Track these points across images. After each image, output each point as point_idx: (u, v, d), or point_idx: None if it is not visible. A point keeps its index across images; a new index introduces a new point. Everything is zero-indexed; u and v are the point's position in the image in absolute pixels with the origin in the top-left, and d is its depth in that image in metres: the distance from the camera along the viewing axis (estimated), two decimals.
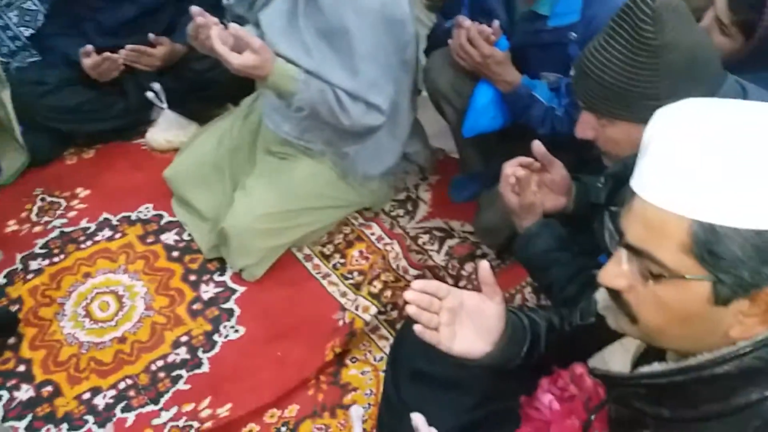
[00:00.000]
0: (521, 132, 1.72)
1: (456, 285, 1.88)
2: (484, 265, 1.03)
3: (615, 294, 0.76)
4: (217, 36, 1.52)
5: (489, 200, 1.90)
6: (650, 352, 0.85)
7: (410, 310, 0.98)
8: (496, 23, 1.58)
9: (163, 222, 2.10)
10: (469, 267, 1.93)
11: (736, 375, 0.68)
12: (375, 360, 1.72)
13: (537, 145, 1.35)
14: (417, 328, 0.98)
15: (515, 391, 1.09)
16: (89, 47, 2.12)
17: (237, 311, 1.84)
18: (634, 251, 0.71)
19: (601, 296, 0.86)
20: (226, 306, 1.86)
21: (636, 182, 0.73)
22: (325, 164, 1.90)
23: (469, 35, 1.60)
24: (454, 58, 1.68)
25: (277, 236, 1.87)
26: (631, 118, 1.13)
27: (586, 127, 1.23)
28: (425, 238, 2.02)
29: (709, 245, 0.64)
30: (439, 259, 1.95)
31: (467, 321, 1.00)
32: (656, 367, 0.75)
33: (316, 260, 1.96)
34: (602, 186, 1.32)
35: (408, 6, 1.65)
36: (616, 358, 0.95)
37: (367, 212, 2.07)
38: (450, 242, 2.00)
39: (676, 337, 0.73)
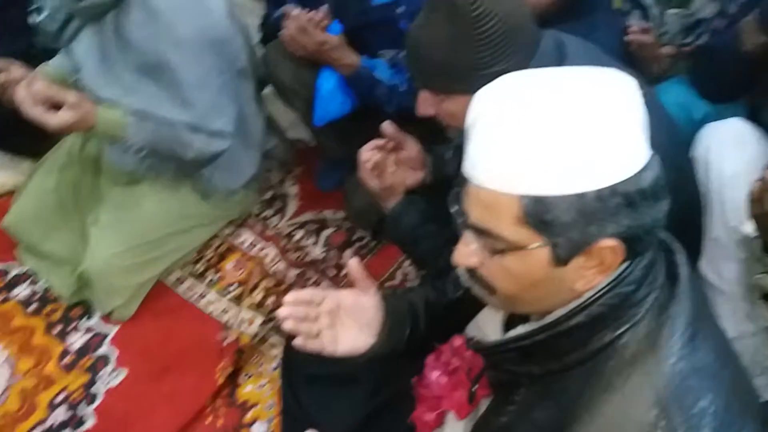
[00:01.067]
0: (374, 111, 1.71)
1: (338, 274, 1.86)
2: (351, 262, 1.03)
3: (471, 271, 0.80)
4: (27, 98, 1.37)
5: (355, 184, 1.87)
6: (516, 314, 0.89)
7: (287, 325, 0.97)
8: (324, 8, 1.54)
9: (9, 277, 1.91)
10: (348, 254, 1.91)
11: (588, 323, 0.73)
12: (270, 370, 1.67)
13: (386, 126, 1.36)
14: (297, 341, 0.98)
15: (407, 374, 1.11)
16: None
17: (114, 354, 1.73)
18: (478, 231, 0.75)
19: (461, 271, 0.88)
20: (100, 351, 1.73)
21: (467, 167, 0.75)
22: (181, 186, 1.79)
23: (300, 24, 1.55)
24: (289, 49, 1.62)
25: (143, 270, 1.75)
26: (465, 90, 1.12)
27: (426, 104, 1.23)
28: (300, 233, 1.97)
29: (540, 215, 0.68)
30: (318, 252, 1.92)
31: (347, 320, 1.01)
32: (519, 330, 0.80)
33: (189, 281, 1.87)
34: (451, 158, 1.35)
35: (228, 20, 1.55)
36: (489, 324, 1.00)
37: (235, 220, 1.99)
38: (326, 233, 1.97)
39: (531, 301, 0.78)
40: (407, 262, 1.87)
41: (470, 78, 1.11)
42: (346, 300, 1.00)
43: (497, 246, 0.73)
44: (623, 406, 0.72)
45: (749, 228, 1.15)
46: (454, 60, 1.09)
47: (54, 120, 1.38)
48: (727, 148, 1.40)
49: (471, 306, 0.96)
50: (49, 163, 1.93)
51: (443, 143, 1.44)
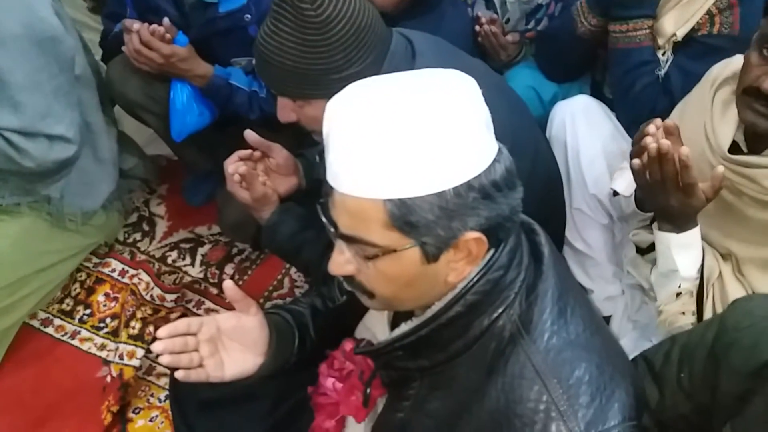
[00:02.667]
0: (238, 120, 1.67)
1: (221, 292, 1.80)
2: (226, 284, 0.99)
3: (349, 278, 0.81)
4: None
5: (227, 197, 1.82)
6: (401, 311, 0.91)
7: (164, 361, 0.92)
8: (166, 21, 1.48)
9: None
10: (229, 269, 1.86)
11: (465, 312, 0.77)
12: (160, 401, 1.59)
13: (249, 134, 1.33)
14: (179, 374, 0.94)
15: (304, 384, 1.10)
16: None
17: None
18: (349, 239, 0.76)
19: (340, 278, 0.89)
20: None
21: (329, 177, 0.76)
22: (30, 216, 1.65)
23: (142, 38, 1.47)
24: (135, 65, 1.54)
25: (3, 317, 1.60)
26: (322, 95, 1.13)
27: (286, 111, 1.21)
28: (174, 254, 1.89)
29: (405, 217, 0.71)
30: (196, 271, 1.85)
31: (231, 343, 0.98)
32: (403, 328, 0.82)
33: (58, 321, 1.74)
34: (319, 162, 1.34)
35: (56, 19, 1.45)
36: (377, 323, 1.04)
37: (100, 249, 1.87)
38: (202, 250, 1.90)
39: (410, 299, 0.81)
40: (294, 269, 1.84)
41: (325, 82, 1.11)
42: (226, 323, 0.97)
43: (369, 252, 0.74)
44: (507, 387, 0.76)
45: (620, 186, 1.23)
46: (307, 66, 1.09)
47: None
48: (577, 123, 1.50)
49: (359, 308, 0.96)
50: None
51: (313, 146, 1.43)
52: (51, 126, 1.46)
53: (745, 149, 1.13)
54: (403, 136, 0.68)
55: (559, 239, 1.48)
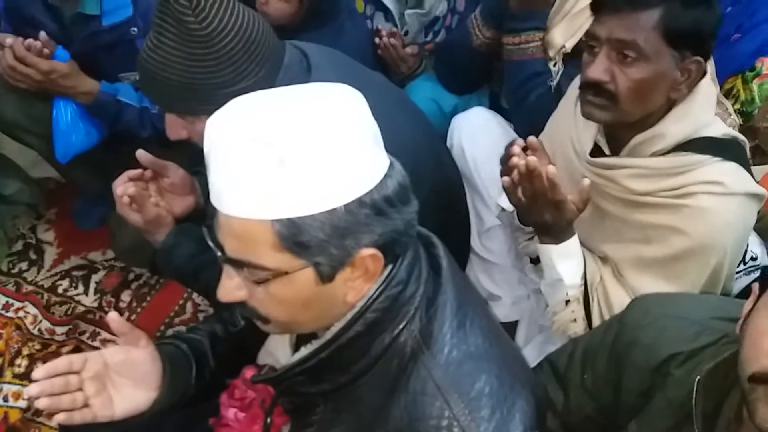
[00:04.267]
0: (129, 137, 1.58)
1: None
2: (111, 316, 0.93)
3: (241, 303, 0.77)
4: None
5: (120, 220, 1.72)
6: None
7: (41, 404, 0.85)
8: (43, 34, 1.38)
9: None
10: (126, 296, 1.76)
11: (365, 331, 0.74)
12: None
13: (141, 154, 1.26)
14: (59, 417, 0.86)
15: (206, 415, 1.04)
16: None
17: None
18: (236, 263, 0.72)
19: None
20: None
21: (213, 197, 0.72)
22: None
23: (17, 54, 1.37)
24: (11, 82, 1.43)
25: None
26: (212, 111, 1.07)
27: (175, 127, 1.15)
28: (65, 283, 1.77)
29: (294, 238, 0.68)
30: (90, 300, 1.74)
31: (119, 379, 0.92)
32: (303, 352, 0.78)
33: None
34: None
35: None
36: (279, 347, 0.99)
37: None
38: (96, 277, 1.79)
39: (308, 321, 0.77)
40: (196, 294, 1.77)
41: (215, 97, 1.06)
42: (113, 358, 0.91)
43: (259, 276, 0.71)
44: (410, 405, 0.74)
45: (505, 202, 1.26)
46: (194, 81, 1.04)
47: None
48: (476, 134, 1.53)
49: (260, 333, 0.92)
50: None
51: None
52: None
53: (607, 152, 1.17)
54: (289, 152, 0.65)
55: (464, 248, 1.50)
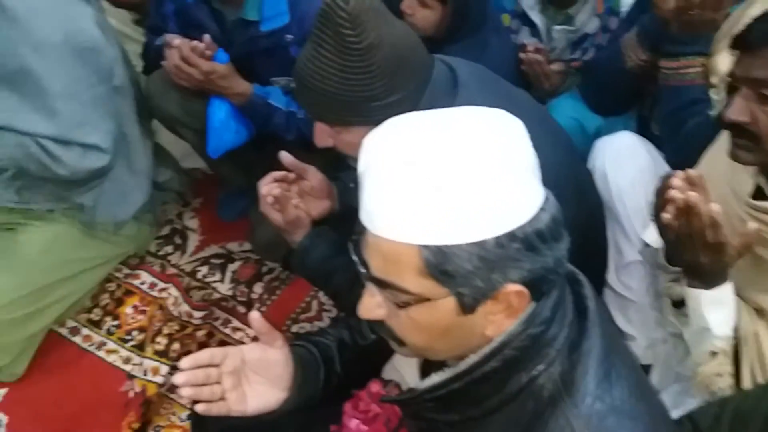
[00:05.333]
0: (274, 138, 1.65)
1: (249, 311, 1.77)
2: (253, 315, 0.97)
3: (378, 323, 0.77)
4: None
5: (260, 215, 1.80)
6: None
7: (185, 393, 0.91)
8: (207, 37, 1.47)
9: None
10: (258, 288, 1.84)
11: (502, 367, 0.72)
12: (182, 420, 1.57)
13: (285, 156, 1.32)
14: (199, 408, 0.91)
15: (327, 420, 1.07)
16: None
17: (4, 420, 1.57)
18: (380, 283, 0.72)
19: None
20: None
21: (363, 216, 0.72)
22: (63, 223, 1.66)
23: (183, 54, 1.47)
24: (175, 80, 1.54)
25: (29, 323, 1.60)
26: (361, 122, 1.11)
27: (323, 136, 1.19)
28: (204, 270, 1.88)
29: (440, 266, 0.66)
30: (225, 288, 1.83)
31: (254, 376, 0.96)
32: (434, 379, 0.77)
33: (86, 331, 1.73)
34: (354, 189, 1.31)
35: (97, 29, 1.46)
36: (406, 365, 0.98)
37: (131, 260, 1.87)
38: (232, 267, 1.89)
39: (443, 350, 0.76)
40: (322, 292, 1.82)
41: (364, 109, 1.09)
42: (250, 355, 0.95)
43: (401, 299, 0.70)
44: None
45: (651, 237, 1.19)
46: (347, 93, 1.06)
47: None
48: (622, 159, 1.44)
49: (388, 347, 0.93)
50: None
51: (349, 170, 1.41)
52: (86, 135, 1.47)
53: None
54: (444, 179, 0.64)
55: (599, 281, 1.43)
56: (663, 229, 1.04)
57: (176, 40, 1.48)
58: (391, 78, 1.06)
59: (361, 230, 0.73)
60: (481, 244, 0.65)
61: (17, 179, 1.51)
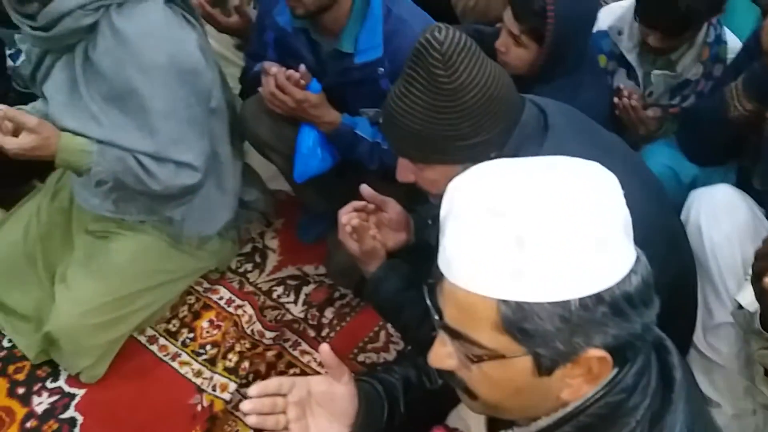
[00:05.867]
0: (356, 166, 1.67)
1: (318, 335, 1.80)
2: (324, 348, 0.97)
3: (449, 373, 0.74)
4: None
5: (337, 241, 1.82)
6: None
7: (250, 421, 0.91)
8: (302, 67, 1.51)
9: None
10: (329, 313, 1.85)
11: None
12: None
13: (365, 189, 1.34)
14: None
15: None
16: None
17: (79, 420, 1.64)
18: (453, 333, 0.70)
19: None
20: (65, 416, 1.64)
21: (440, 262, 0.70)
22: (152, 235, 1.74)
23: (278, 82, 1.52)
24: (269, 106, 1.59)
25: (113, 328, 1.68)
26: (445, 161, 1.10)
27: (405, 171, 1.19)
28: (279, 290, 1.91)
29: (519, 323, 0.64)
30: (297, 310, 1.85)
31: (318, 409, 0.95)
32: None
33: (162, 340, 1.79)
34: (431, 226, 1.30)
35: (199, 52, 1.53)
36: (472, 417, 0.95)
37: (212, 274, 1.93)
38: (306, 289, 1.91)
39: (514, 409, 0.73)
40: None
41: (449, 149, 1.08)
42: (317, 388, 0.94)
43: (475, 352, 0.68)
44: None
45: (745, 299, 1.11)
46: (432, 131, 1.06)
47: (12, 143, 1.36)
48: (718, 214, 1.37)
49: (456, 393, 0.91)
50: (18, 213, 1.87)
51: (427, 204, 1.40)
52: (180, 153, 1.53)
53: None
54: (530, 233, 0.62)
55: (685, 341, 1.34)
56: (762, 293, 0.97)
57: (273, 68, 1.53)
58: (478, 119, 1.05)
59: (438, 276, 0.71)
60: (564, 305, 0.62)
61: (114, 191, 1.59)
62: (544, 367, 0.66)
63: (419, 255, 1.44)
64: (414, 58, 1.04)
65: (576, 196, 0.64)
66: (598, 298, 0.62)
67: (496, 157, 1.07)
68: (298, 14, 1.46)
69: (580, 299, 0.62)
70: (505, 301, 0.63)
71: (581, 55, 1.58)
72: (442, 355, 0.72)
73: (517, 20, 1.48)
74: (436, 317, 0.72)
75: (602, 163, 0.70)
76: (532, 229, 0.62)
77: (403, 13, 1.49)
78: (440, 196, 1.19)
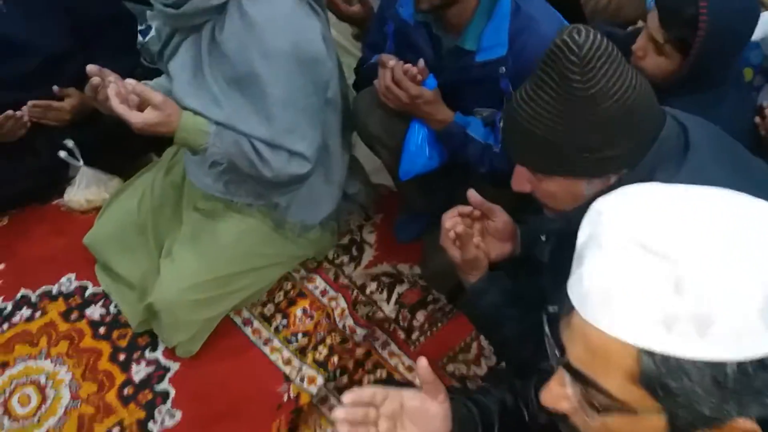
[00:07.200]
0: (462, 166, 1.61)
1: (408, 338, 1.76)
2: (422, 363, 0.92)
3: (562, 416, 0.67)
4: (114, 95, 1.39)
5: (434, 242, 1.77)
6: None
7: (342, 430, 0.87)
8: (421, 63, 1.46)
9: (87, 294, 1.92)
10: (420, 315, 1.80)
11: None
12: None
13: (472, 195, 1.28)
14: None
15: None
16: None
17: (172, 393, 1.68)
18: (577, 375, 0.62)
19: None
20: (160, 387, 1.70)
21: (573, 294, 0.62)
22: (257, 218, 1.76)
23: (395, 76, 1.47)
24: (382, 99, 1.55)
25: (211, 306, 1.71)
26: (568, 173, 1.02)
27: (522, 180, 1.11)
28: (373, 286, 1.88)
29: (661, 378, 0.56)
30: (389, 309, 1.82)
31: (410, 425, 0.91)
32: None
33: (256, 324, 1.81)
34: (545, 242, 1.22)
35: (322, 42, 1.51)
36: None
37: (309, 262, 1.93)
38: (399, 289, 1.87)
39: None
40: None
41: (576, 161, 0.99)
42: (410, 402, 0.90)
43: (599, 401, 0.60)
44: None
45: None
46: (560, 140, 0.97)
47: (137, 118, 1.39)
48: None
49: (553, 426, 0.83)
50: (135, 184, 1.95)
51: (537, 213, 1.32)
52: (294, 142, 1.52)
53: None
54: (690, 278, 0.53)
55: None
56: None
57: (391, 61, 1.48)
58: (612, 131, 0.95)
59: (567, 308, 0.64)
60: (719, 366, 0.53)
61: (226, 173, 1.61)
62: (678, 429, 0.58)
63: (525, 270, 1.37)
64: (547, 59, 0.95)
65: (747, 242, 0.55)
66: (762, 364, 0.53)
67: (627, 175, 1.00)
68: (422, 8, 1.41)
69: (740, 363, 0.53)
70: (649, 352, 0.55)
71: (727, 68, 1.43)
72: (559, 395, 0.65)
73: (663, 27, 1.35)
74: (557, 353, 0.65)
75: (746, 189, 0.61)
76: (694, 274, 0.53)
77: (533, 10, 1.40)
78: (557, 210, 1.12)
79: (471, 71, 1.46)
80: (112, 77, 1.44)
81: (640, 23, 1.82)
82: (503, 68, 1.41)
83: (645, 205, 0.60)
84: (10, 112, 1.94)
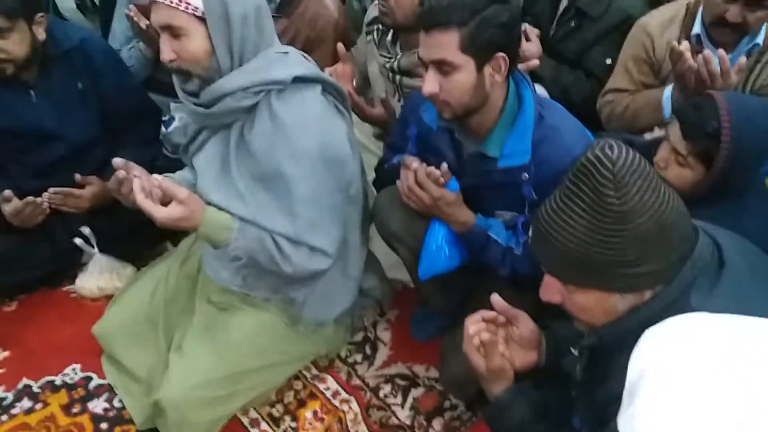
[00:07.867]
0: (486, 269, 1.59)
1: None
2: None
3: None
4: (140, 189, 1.40)
5: (453, 344, 1.72)
6: None
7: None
8: (444, 166, 1.47)
9: (91, 386, 1.86)
10: (437, 424, 1.73)
11: None
12: None
13: (496, 300, 1.26)
14: None
15: None
16: (8, 192, 1.92)
17: None
18: None
19: None
20: None
21: (626, 429, 0.59)
22: (272, 314, 1.72)
23: (417, 178, 1.49)
24: (404, 200, 1.55)
25: (220, 405, 1.65)
26: (602, 287, 1.00)
27: (551, 290, 1.09)
28: (387, 388, 1.82)
29: None
30: (404, 415, 1.74)
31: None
32: None
33: (264, 425, 1.74)
34: (577, 357, 1.18)
35: (348, 143, 1.54)
36: None
37: (321, 360, 1.87)
38: (415, 392, 1.80)
39: None
40: None
41: (609, 275, 0.98)
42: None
43: None
44: None
45: None
46: (592, 254, 0.96)
47: (161, 213, 1.40)
48: None
49: None
50: (149, 274, 1.93)
51: (565, 321, 1.28)
52: (316, 238, 1.52)
53: None
54: (750, 422, 0.51)
55: None
56: None
57: (415, 163, 1.50)
58: (647, 247, 0.94)
59: None
60: None
61: (246, 268, 1.59)
62: None
63: (550, 381, 1.32)
64: (579, 173, 0.95)
65: None
66: None
67: (662, 291, 0.97)
68: (446, 116, 1.44)
69: None
70: None
71: (751, 178, 1.44)
72: None
73: (686, 139, 1.37)
74: None
75: None
76: (754, 417, 0.51)
77: (556, 120, 1.43)
78: (589, 324, 1.08)
79: (493, 176, 1.47)
80: (137, 171, 1.45)
81: (656, 130, 1.84)
82: (526, 174, 1.42)
83: (700, 339, 0.58)
84: (30, 198, 1.96)
